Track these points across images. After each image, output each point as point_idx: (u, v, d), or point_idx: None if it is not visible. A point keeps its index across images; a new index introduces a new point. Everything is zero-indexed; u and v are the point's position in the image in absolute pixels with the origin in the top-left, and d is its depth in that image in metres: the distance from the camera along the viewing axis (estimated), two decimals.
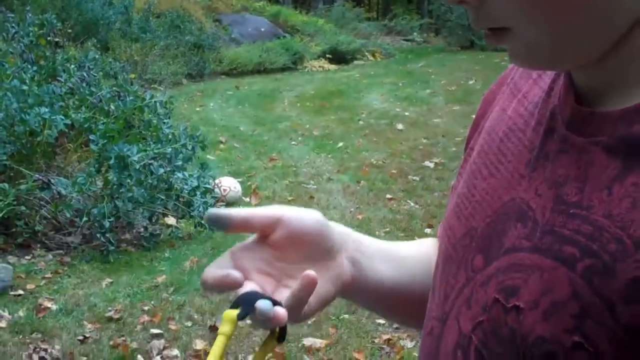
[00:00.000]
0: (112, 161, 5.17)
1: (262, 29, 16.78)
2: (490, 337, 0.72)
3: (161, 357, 3.88)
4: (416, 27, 23.74)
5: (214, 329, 4.09)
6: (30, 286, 4.63)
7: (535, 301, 0.67)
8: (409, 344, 4.05)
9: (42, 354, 3.81)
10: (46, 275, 4.82)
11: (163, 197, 5.59)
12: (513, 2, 0.66)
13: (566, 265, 0.66)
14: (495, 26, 0.68)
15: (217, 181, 6.19)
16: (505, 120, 0.83)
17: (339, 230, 0.91)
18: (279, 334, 0.79)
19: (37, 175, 5.34)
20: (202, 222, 5.49)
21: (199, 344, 3.98)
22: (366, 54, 17.85)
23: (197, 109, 10.86)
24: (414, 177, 7.37)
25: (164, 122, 6.06)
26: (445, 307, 0.81)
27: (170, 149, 5.70)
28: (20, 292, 4.55)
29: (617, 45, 0.69)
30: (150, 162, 5.43)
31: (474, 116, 0.92)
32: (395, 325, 4.19)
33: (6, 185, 4.98)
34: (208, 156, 7.36)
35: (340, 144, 8.66)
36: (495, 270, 0.73)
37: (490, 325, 0.72)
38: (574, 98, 0.73)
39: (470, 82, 13.01)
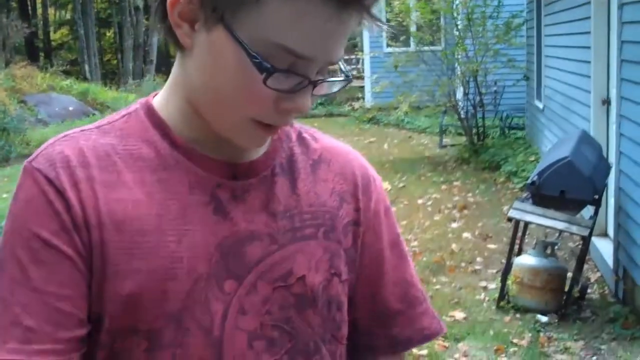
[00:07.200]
0: None
1: (71, 108, 16.45)
2: (283, 311, 0.99)
3: None
4: None
5: None
6: None
7: (308, 267, 1.00)
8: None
9: None
10: None
11: None
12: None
13: (312, 238, 1.02)
14: (282, 124, 0.99)
15: None
16: (134, 207, 0.95)
17: None
18: None
19: None
20: None
21: None
22: None
23: (4, 195, 10.44)
24: None
25: None
26: (214, 334, 0.96)
27: None
28: None
29: None
30: None
31: None
32: None
33: None
34: None
35: None
36: (254, 279, 0.98)
37: (278, 305, 0.99)
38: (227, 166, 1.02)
39: None
